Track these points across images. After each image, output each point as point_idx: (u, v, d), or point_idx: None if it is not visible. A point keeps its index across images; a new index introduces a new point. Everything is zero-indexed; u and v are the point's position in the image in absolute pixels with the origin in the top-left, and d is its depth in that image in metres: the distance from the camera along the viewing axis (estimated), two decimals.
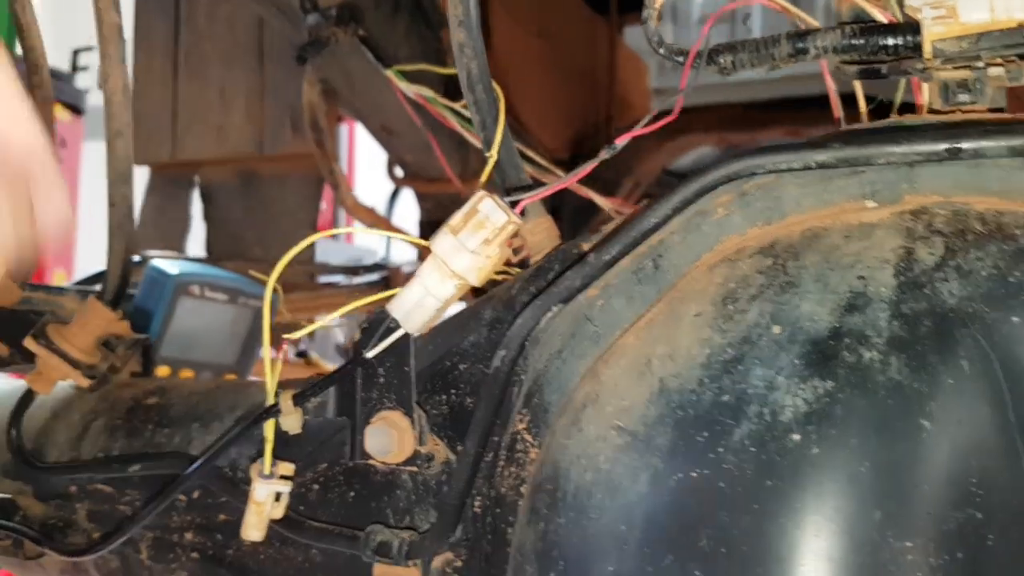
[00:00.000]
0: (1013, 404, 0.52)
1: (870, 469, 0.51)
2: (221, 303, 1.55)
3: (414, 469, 0.76)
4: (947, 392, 0.52)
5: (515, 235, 0.92)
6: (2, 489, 1.01)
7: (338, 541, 0.78)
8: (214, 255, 2.50)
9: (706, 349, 0.59)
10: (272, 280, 0.74)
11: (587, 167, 0.77)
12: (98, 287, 1.69)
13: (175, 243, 2.55)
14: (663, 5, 0.84)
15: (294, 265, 2.40)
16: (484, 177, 0.91)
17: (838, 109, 0.89)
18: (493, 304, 0.79)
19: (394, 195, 2.87)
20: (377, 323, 0.75)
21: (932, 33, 0.65)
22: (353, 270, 2.37)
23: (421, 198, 2.60)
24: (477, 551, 0.77)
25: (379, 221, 2.10)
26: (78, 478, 0.94)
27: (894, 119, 0.66)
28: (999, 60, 0.65)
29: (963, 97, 0.64)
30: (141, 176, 2.68)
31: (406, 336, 0.74)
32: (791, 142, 0.62)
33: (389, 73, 1.42)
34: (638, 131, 0.77)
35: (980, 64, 0.64)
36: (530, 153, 2.79)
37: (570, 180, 0.76)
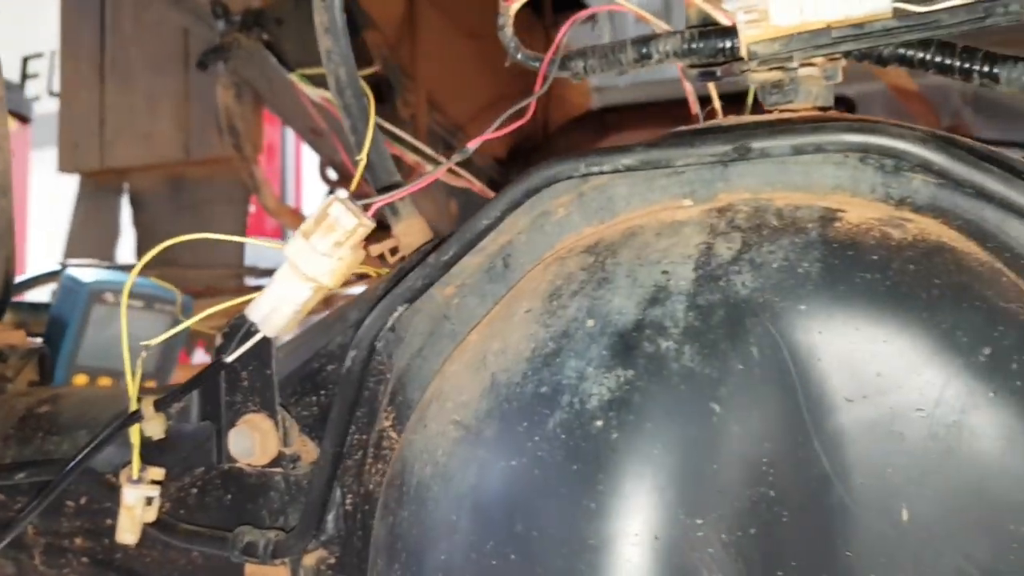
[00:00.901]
0: (801, 386, 0.55)
1: (663, 451, 0.54)
2: (136, 310, 1.56)
3: (280, 470, 0.78)
4: (737, 377, 0.55)
5: (388, 237, 0.95)
6: None
7: (210, 543, 0.80)
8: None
9: (531, 343, 0.62)
10: (128, 285, 0.76)
11: (440, 169, 0.80)
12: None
13: (106, 250, 2.55)
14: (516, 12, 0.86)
15: (221, 269, 2.41)
16: (355, 180, 0.93)
17: (695, 107, 0.92)
18: (358, 306, 0.81)
19: (329, 195, 2.88)
20: (237, 327, 0.77)
21: (747, 36, 0.68)
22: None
23: (357, 198, 2.62)
24: (349, 547, 0.79)
25: (300, 221, 2.12)
26: None
27: (715, 121, 0.69)
28: (813, 61, 0.68)
29: (774, 98, 0.67)
30: (71, 184, 2.68)
31: (266, 340, 0.76)
32: (605, 147, 0.65)
33: (293, 77, 1.44)
34: (488, 135, 0.79)
35: (793, 65, 0.67)
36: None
37: (426, 181, 0.78)
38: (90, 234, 2.56)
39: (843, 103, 2.96)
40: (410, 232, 0.91)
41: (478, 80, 2.69)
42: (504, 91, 3.02)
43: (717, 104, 0.81)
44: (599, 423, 0.55)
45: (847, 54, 0.70)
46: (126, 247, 2.57)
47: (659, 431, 0.54)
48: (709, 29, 0.76)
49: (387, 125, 1.09)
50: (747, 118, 0.68)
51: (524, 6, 2.85)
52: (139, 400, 0.77)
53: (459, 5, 2.60)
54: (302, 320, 0.80)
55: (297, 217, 2.10)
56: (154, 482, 0.80)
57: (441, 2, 2.55)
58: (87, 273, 1.54)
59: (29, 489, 0.96)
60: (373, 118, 0.91)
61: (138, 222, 2.54)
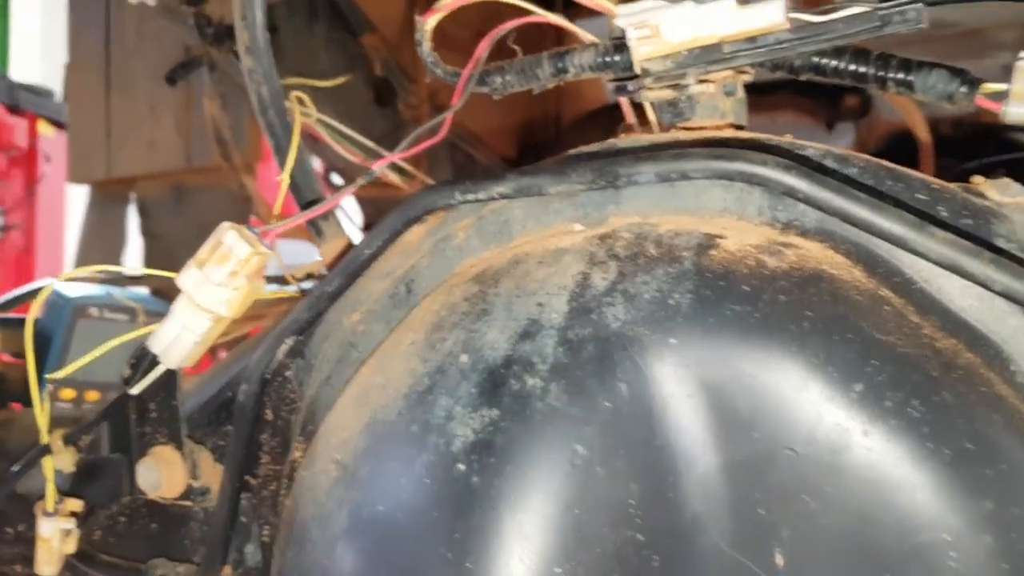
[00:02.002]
0: (671, 424, 0.53)
1: (524, 496, 0.52)
2: (122, 323, 1.57)
3: (189, 504, 0.77)
4: (603, 416, 0.53)
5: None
6: None
7: (122, 574, 0.79)
8: (151, 269, 2.52)
9: (409, 379, 0.60)
10: (32, 313, 0.75)
11: (348, 189, 0.78)
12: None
13: (114, 260, 2.57)
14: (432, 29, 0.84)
15: None
16: (279, 201, 0.91)
17: (630, 116, 0.89)
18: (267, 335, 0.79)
19: None
20: (142, 358, 0.76)
21: (639, 53, 0.65)
22: (283, 280, 2.38)
23: (361, 203, 2.61)
24: None
25: (296, 230, 2.11)
26: None
27: (610, 141, 0.66)
28: (710, 77, 0.65)
29: (668, 116, 0.64)
30: (82, 194, 2.71)
31: (171, 371, 0.75)
32: (481, 174, 0.63)
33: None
34: (396, 155, 0.77)
35: (687, 82, 0.64)
36: (475, 154, 2.79)
37: (327, 207, 0.77)
38: (99, 244, 2.59)
39: (859, 90, 2.90)
40: (335, 252, 0.89)
41: None
42: (515, 95, 2.99)
43: (630, 118, 0.78)
44: (461, 466, 0.53)
45: (758, 66, 0.67)
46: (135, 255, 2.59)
47: (520, 474, 0.52)
48: (623, 43, 0.73)
49: (331, 122, 1.07)
50: (649, 138, 0.65)
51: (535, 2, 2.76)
52: (49, 434, 0.76)
53: (466, 7, 2.57)
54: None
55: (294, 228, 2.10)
56: (73, 514, 0.79)
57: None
58: (73, 288, 1.55)
59: None
60: (298, 138, 0.89)
61: (145, 230, 2.55)
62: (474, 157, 2.71)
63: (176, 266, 2.56)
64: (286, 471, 0.77)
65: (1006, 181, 0.57)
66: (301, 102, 1.01)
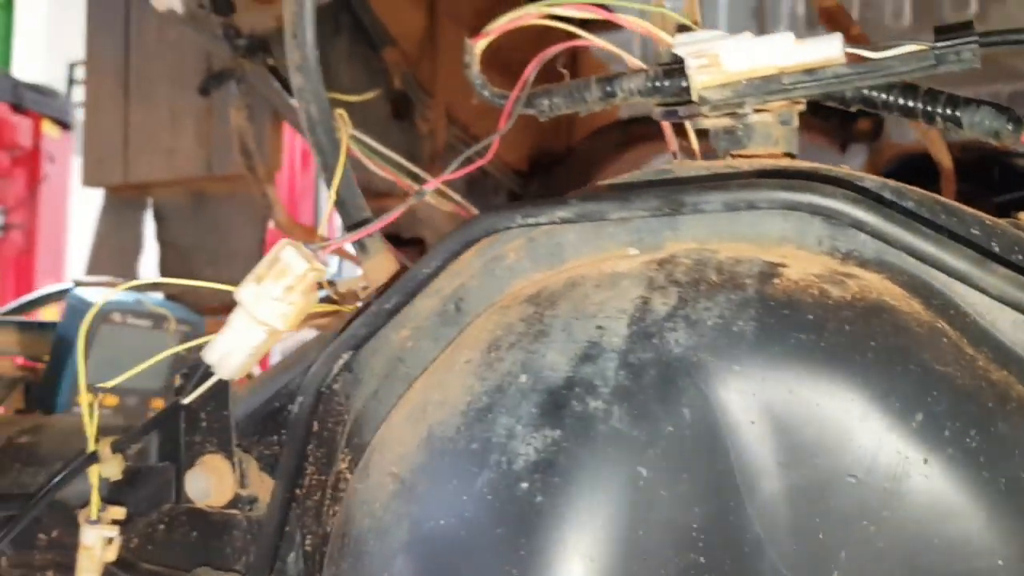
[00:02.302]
0: (734, 450, 0.54)
1: (588, 516, 0.53)
2: (145, 329, 1.58)
3: (233, 512, 0.78)
4: (667, 440, 0.54)
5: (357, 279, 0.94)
6: None
7: None
8: (166, 276, 2.54)
9: (467, 397, 0.61)
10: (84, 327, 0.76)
11: (397, 210, 0.80)
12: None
13: (129, 265, 2.58)
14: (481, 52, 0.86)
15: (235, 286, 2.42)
16: (325, 217, 0.93)
17: (671, 141, 0.90)
18: (319, 347, 0.80)
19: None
20: (195, 369, 0.77)
21: (698, 81, 0.66)
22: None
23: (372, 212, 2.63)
24: None
25: (314, 238, 2.12)
26: None
27: (664, 167, 0.67)
28: (767, 107, 0.66)
29: (725, 144, 0.66)
30: (96, 198, 2.72)
31: (223, 381, 0.76)
32: (543, 199, 0.64)
33: (294, 102, 1.44)
34: (446, 176, 0.79)
35: (744, 111, 0.66)
36: (488, 167, 2.80)
37: (379, 224, 0.78)
38: (114, 248, 2.60)
39: (871, 114, 2.92)
40: (379, 269, 0.90)
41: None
42: None
43: (671, 143, 0.80)
44: (524, 485, 0.54)
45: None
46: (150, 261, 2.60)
47: (584, 495, 0.53)
48: (673, 68, 0.75)
49: (363, 138, 1.08)
50: (706, 165, 0.67)
51: (551, 16, 2.79)
52: (97, 441, 0.77)
53: (477, 18, 2.59)
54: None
55: (309, 234, 2.11)
56: (115, 522, 0.80)
57: (460, 16, 2.55)
58: (94, 293, 1.56)
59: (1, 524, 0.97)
60: (344, 156, 0.91)
61: (161, 236, 2.57)
62: (486, 170, 2.73)
63: (192, 273, 2.61)
64: (331, 482, 0.78)
65: None
66: (342, 119, 1.02)
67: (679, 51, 0.67)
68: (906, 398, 0.52)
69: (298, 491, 0.79)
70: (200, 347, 0.76)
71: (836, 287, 0.56)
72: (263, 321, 0.73)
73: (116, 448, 0.77)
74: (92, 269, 2.58)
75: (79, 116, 5.19)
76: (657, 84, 0.75)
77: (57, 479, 0.78)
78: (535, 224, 0.64)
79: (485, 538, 0.55)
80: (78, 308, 1.51)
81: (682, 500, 0.53)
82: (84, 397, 0.77)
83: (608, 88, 0.79)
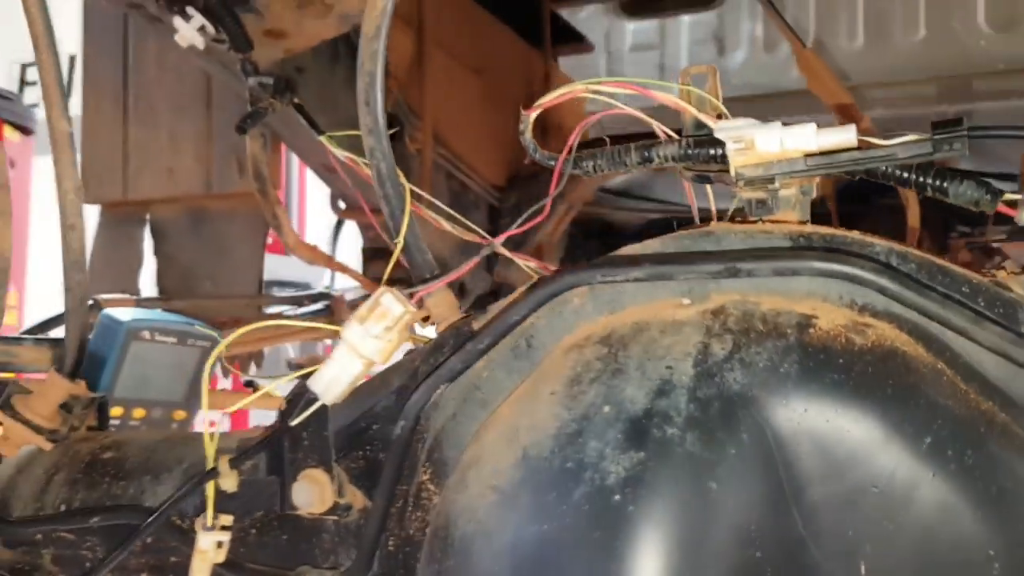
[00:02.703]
0: (783, 466, 0.68)
1: (671, 521, 0.67)
2: (170, 345, 1.69)
3: (336, 518, 0.90)
4: (730, 459, 0.68)
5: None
6: None
7: None
8: (165, 292, 2.62)
9: (557, 423, 0.74)
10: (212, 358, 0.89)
11: (472, 261, 0.93)
12: (51, 333, 1.80)
13: (128, 280, 2.66)
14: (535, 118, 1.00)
15: (241, 299, 2.53)
16: (391, 262, 1.05)
17: (692, 199, 1.04)
18: (399, 374, 0.94)
19: (338, 225, 3.02)
20: (299, 396, 0.90)
21: (735, 161, 0.81)
22: (298, 300, 2.51)
23: (363, 228, 2.75)
24: None
25: (320, 257, 2.24)
26: (45, 529, 1.07)
27: (708, 227, 0.82)
28: (791, 183, 0.81)
29: (759, 212, 0.80)
30: (93, 213, 2.80)
31: (325, 406, 0.89)
32: (619, 258, 0.78)
33: (322, 139, 1.56)
34: (513, 231, 0.92)
35: (775, 186, 0.80)
36: (469, 182, 2.94)
37: (462, 272, 0.92)
38: (112, 264, 2.68)
39: None
40: (441, 305, 1.03)
41: (479, 113, 2.82)
42: (502, 122, 3.16)
43: (692, 201, 0.94)
44: (617, 497, 0.68)
45: None
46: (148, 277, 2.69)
47: (667, 505, 0.67)
48: (703, 139, 0.89)
49: (426, 196, 1.20)
50: (742, 227, 0.81)
51: (525, 38, 3.04)
52: (216, 458, 0.90)
53: (462, 43, 2.73)
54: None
55: (315, 253, 2.23)
56: (224, 527, 0.92)
57: (445, 42, 2.69)
58: (124, 312, 1.67)
59: (99, 530, 1.08)
60: (409, 207, 1.03)
61: (159, 252, 2.65)
62: (467, 185, 2.86)
63: (191, 288, 2.70)
64: (412, 491, 0.91)
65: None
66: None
67: (720, 135, 0.82)
68: (917, 426, 0.66)
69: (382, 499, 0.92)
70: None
71: (858, 335, 0.71)
72: (364, 356, 0.86)
73: (233, 465, 0.89)
74: (92, 283, 2.65)
75: (37, 115, 5.18)
76: (689, 152, 0.89)
77: (182, 492, 0.90)
78: (612, 282, 0.78)
79: (585, 540, 0.68)
80: (110, 326, 1.61)
81: (743, 507, 0.68)
82: (206, 423, 0.89)
83: (646, 154, 0.93)
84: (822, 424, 0.68)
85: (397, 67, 2.51)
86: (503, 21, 3.01)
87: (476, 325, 0.91)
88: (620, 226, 3.69)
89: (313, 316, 2.42)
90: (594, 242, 3.75)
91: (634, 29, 3.92)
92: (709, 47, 3.77)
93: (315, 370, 0.88)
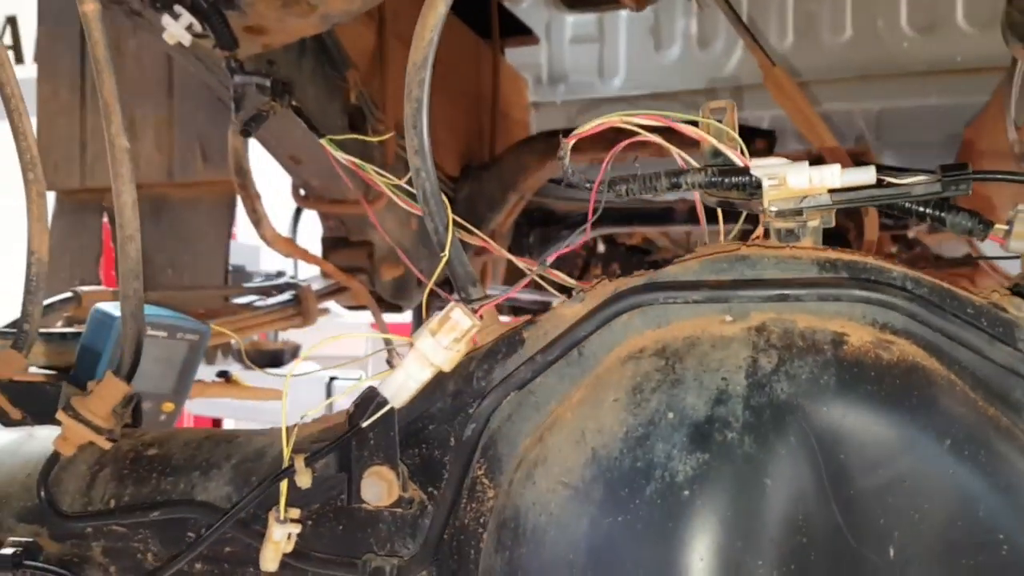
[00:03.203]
0: (824, 465, 0.80)
1: (734, 513, 0.78)
2: (161, 339, 1.74)
3: (399, 510, 0.99)
4: (781, 459, 0.80)
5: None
6: (21, 532, 1.19)
7: (338, 568, 1.01)
8: None
9: (624, 427, 0.85)
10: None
11: (519, 284, 1.02)
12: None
13: (87, 268, 2.67)
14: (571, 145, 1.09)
15: (208, 290, 2.57)
16: (436, 273, 1.14)
17: (703, 218, 1.15)
18: (455, 379, 1.03)
19: (297, 213, 3.07)
20: (369, 399, 0.98)
21: (769, 195, 0.92)
22: (265, 291, 2.55)
23: (324, 217, 2.80)
24: (444, 568, 1.01)
25: (296, 250, 2.30)
26: (105, 523, 1.13)
27: (741, 250, 0.93)
28: (816, 215, 0.93)
29: (787, 239, 0.92)
30: (49, 201, 2.78)
31: (392, 408, 0.98)
32: (678, 282, 0.89)
33: (323, 142, 1.62)
34: (559, 252, 1.02)
35: (802, 217, 0.92)
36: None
37: (512, 292, 1.01)
38: (71, 251, 2.68)
39: (766, 134, 3.28)
40: (486, 314, 1.12)
41: (434, 105, 2.89)
42: (455, 113, 3.24)
43: (703, 220, 1.05)
44: (686, 492, 0.79)
45: None
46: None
47: (730, 499, 0.78)
48: (727, 168, 1.00)
49: (484, 236, 1.26)
50: (774, 252, 0.92)
51: (473, 29, 3.15)
52: (291, 458, 0.98)
53: None
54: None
55: (292, 247, 2.28)
56: (293, 520, 1.00)
57: (404, 33, 2.76)
58: (116, 307, 1.71)
59: (152, 525, 1.15)
60: (452, 223, 1.12)
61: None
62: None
63: (152, 276, 2.73)
64: (467, 484, 1.00)
65: (1019, 301, 0.87)
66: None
67: (756, 172, 0.93)
68: (938, 430, 0.79)
69: (436, 491, 1.02)
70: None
71: (885, 351, 0.83)
72: (434, 364, 0.95)
73: (308, 463, 0.97)
74: (49, 271, 2.64)
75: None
76: (714, 179, 1.00)
77: (261, 488, 0.97)
78: (672, 302, 0.88)
79: (658, 530, 0.79)
80: (103, 321, 1.66)
81: (792, 500, 0.79)
82: (284, 421, 0.97)
83: (674, 180, 1.04)
84: (857, 428, 0.80)
85: (360, 59, 2.57)
86: (453, 12, 3.08)
87: (527, 335, 1.00)
88: (562, 215, 3.81)
89: (282, 306, 2.47)
90: (538, 230, 3.87)
91: (574, 22, 4.03)
92: (646, 42, 3.91)
93: (387, 374, 0.97)
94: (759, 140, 3.26)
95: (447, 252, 1.10)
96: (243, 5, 1.97)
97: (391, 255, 2.85)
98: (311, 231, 3.00)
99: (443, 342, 0.94)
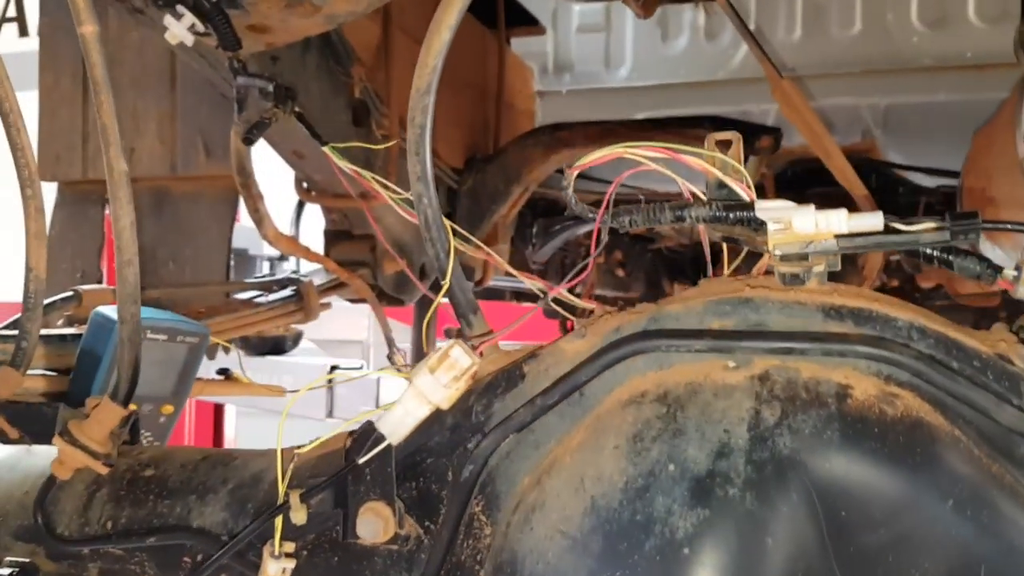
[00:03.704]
0: (825, 522, 0.79)
1: (734, 572, 0.77)
2: (161, 342, 1.73)
3: (395, 546, 0.99)
4: (782, 516, 0.79)
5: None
6: (19, 551, 1.19)
7: None
8: None
9: (624, 477, 0.84)
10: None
11: (533, 310, 1.01)
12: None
13: (89, 260, 2.65)
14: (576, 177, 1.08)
15: (209, 286, 2.56)
16: (437, 300, 1.13)
17: (707, 252, 1.14)
18: (453, 412, 1.02)
19: (300, 207, 3.05)
20: (366, 435, 0.97)
21: (774, 239, 0.91)
22: (267, 286, 2.54)
23: (327, 211, 2.79)
24: None
25: (299, 249, 2.28)
26: (100, 546, 1.13)
27: (745, 292, 0.91)
28: (821, 259, 0.91)
29: (792, 283, 0.90)
30: (51, 192, 2.77)
31: (389, 445, 0.97)
32: (682, 331, 0.88)
33: (326, 150, 1.60)
34: (569, 283, 1.01)
35: (808, 262, 0.90)
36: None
37: (513, 327, 1.00)
38: (72, 243, 2.66)
39: (771, 131, 3.26)
40: (482, 344, 1.11)
41: (441, 97, 2.86)
42: (459, 104, 3.22)
43: (707, 255, 1.04)
44: (686, 550, 0.78)
45: None
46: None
47: (731, 557, 0.78)
48: (732, 204, 0.99)
49: (489, 250, 1.24)
50: (779, 296, 0.91)
51: (478, 19, 3.13)
52: (287, 494, 0.97)
53: (423, 25, 2.76)
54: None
55: (295, 246, 2.27)
56: (287, 555, 1.00)
57: (408, 25, 2.73)
58: (113, 309, 1.70)
59: (148, 549, 1.14)
60: (454, 250, 1.10)
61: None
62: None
63: (154, 270, 2.72)
64: (464, 521, 1.00)
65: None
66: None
67: (761, 215, 0.91)
68: (941, 489, 0.78)
69: (433, 526, 1.01)
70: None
71: (889, 406, 0.82)
72: (432, 402, 0.94)
73: (304, 499, 0.96)
74: (50, 263, 2.63)
75: None
76: (718, 214, 0.99)
77: (255, 527, 0.97)
78: (675, 350, 0.87)
79: None
80: (104, 324, 1.65)
81: (792, 558, 0.79)
82: (279, 454, 0.96)
83: (679, 213, 1.02)
84: (860, 485, 0.79)
85: (364, 52, 2.54)
86: None
87: (527, 369, 0.99)
88: (565, 205, 3.79)
89: (284, 303, 2.46)
90: (541, 220, 3.85)
91: (581, 10, 3.99)
92: (653, 33, 3.88)
93: (386, 409, 0.96)
94: (764, 137, 3.24)
95: (448, 280, 1.09)
96: (246, 4, 1.95)
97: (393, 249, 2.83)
98: (314, 223, 2.99)
99: (442, 380, 0.93)
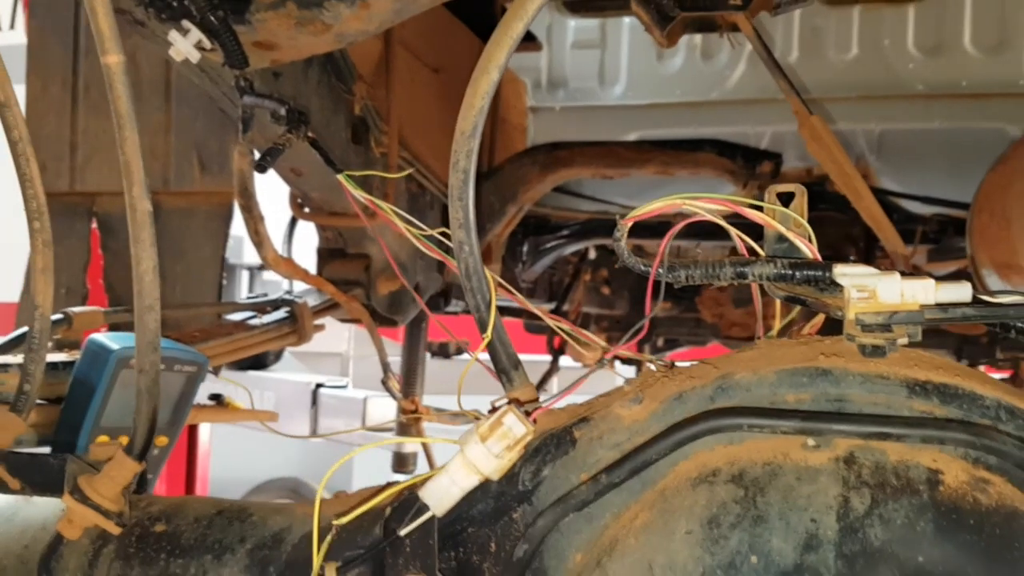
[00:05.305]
0: None
1: None
2: (160, 372, 1.64)
3: None
4: None
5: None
6: None
7: None
8: (112, 289, 2.53)
9: (700, 567, 0.78)
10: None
11: (580, 381, 0.95)
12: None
13: (74, 276, 2.56)
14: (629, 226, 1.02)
15: (203, 307, 2.47)
16: (475, 355, 1.06)
17: (757, 303, 1.08)
18: (499, 480, 0.95)
19: (292, 223, 2.98)
20: (408, 505, 0.91)
21: (856, 307, 0.85)
22: (260, 307, 2.46)
23: (322, 229, 2.71)
24: None
25: (299, 272, 2.21)
26: None
27: (823, 363, 0.86)
28: (903, 330, 0.86)
29: (873, 354, 0.85)
30: None
31: (433, 516, 0.90)
32: (766, 410, 0.82)
33: (340, 178, 1.54)
34: (622, 345, 0.95)
35: (891, 334, 0.85)
36: (426, 184, 2.94)
37: (576, 386, 0.93)
38: (56, 257, 2.56)
39: (772, 156, 3.24)
40: (524, 393, 1.05)
41: (437, 112, 2.81)
42: (457, 121, 3.15)
43: (757, 305, 0.99)
44: None
45: None
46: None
47: None
48: (800, 262, 0.93)
49: (507, 287, 1.18)
50: (859, 370, 0.85)
51: (473, 31, 3.05)
52: (322, 567, 0.90)
53: (422, 41, 2.71)
54: None
55: (294, 268, 2.20)
56: None
57: (408, 40, 2.66)
58: (113, 339, 1.62)
59: None
60: (495, 300, 1.04)
61: (107, 248, 2.55)
62: (424, 186, 2.86)
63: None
64: None
65: None
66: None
67: (842, 281, 0.86)
68: None
69: None
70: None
71: (983, 494, 0.77)
72: (483, 473, 0.88)
73: (340, 572, 0.89)
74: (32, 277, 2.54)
75: None
76: (783, 272, 0.93)
77: None
78: (757, 430, 0.81)
79: None
80: (98, 354, 1.56)
81: None
82: (315, 539, 0.89)
83: (739, 270, 0.97)
84: None
85: (365, 69, 2.48)
86: (453, 14, 3.01)
87: (578, 435, 0.93)
88: (557, 223, 3.75)
89: (277, 324, 2.38)
90: (532, 238, 3.80)
91: (576, 26, 3.94)
92: (649, 51, 3.83)
93: (428, 477, 0.90)
94: (766, 163, 3.21)
95: (488, 333, 1.03)
96: (255, 21, 1.87)
97: (388, 269, 2.77)
98: (305, 239, 2.93)
99: (494, 449, 0.87)
